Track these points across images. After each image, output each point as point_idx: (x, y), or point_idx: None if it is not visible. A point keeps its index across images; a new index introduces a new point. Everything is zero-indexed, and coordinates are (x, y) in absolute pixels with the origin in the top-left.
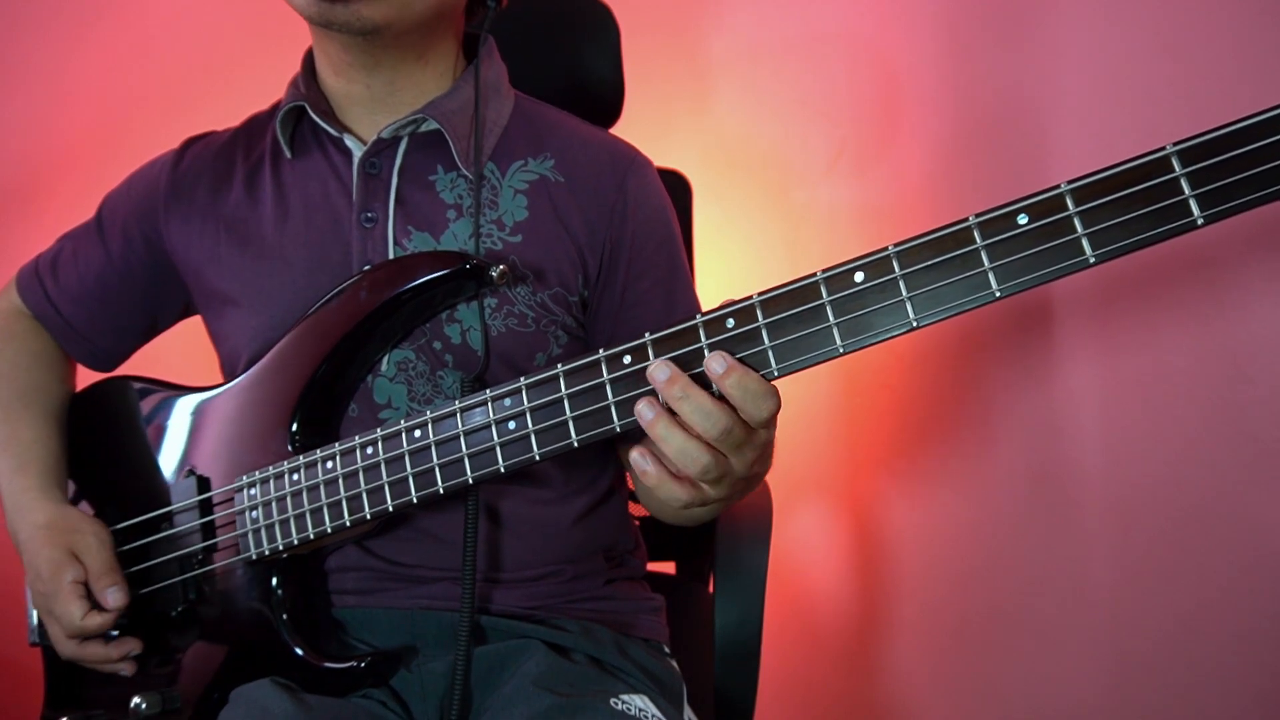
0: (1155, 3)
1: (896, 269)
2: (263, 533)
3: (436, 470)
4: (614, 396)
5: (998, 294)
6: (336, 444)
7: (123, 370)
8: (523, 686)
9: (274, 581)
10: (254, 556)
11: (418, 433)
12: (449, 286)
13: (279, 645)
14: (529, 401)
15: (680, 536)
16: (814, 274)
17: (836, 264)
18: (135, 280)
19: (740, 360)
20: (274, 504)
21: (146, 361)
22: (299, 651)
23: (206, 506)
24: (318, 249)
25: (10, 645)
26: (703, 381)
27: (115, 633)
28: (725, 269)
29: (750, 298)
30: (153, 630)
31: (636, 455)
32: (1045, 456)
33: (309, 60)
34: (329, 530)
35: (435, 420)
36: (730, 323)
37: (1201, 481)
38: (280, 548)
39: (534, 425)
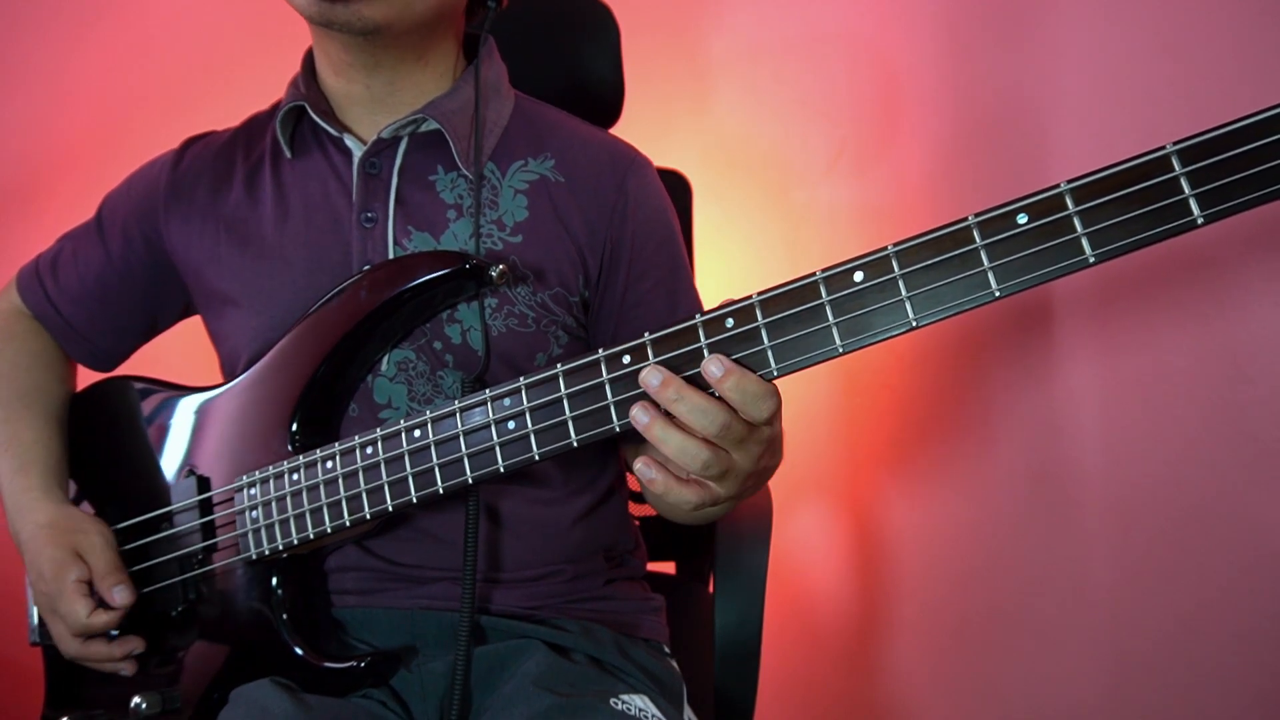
0: (1155, 3)
1: (896, 269)
2: (263, 532)
3: (436, 470)
4: (613, 396)
5: (997, 294)
6: (336, 444)
7: (123, 370)
8: (523, 686)
9: (274, 581)
10: (254, 556)
11: (417, 432)
12: (449, 286)
13: (279, 645)
14: (528, 401)
15: (680, 536)
16: (813, 274)
17: (836, 264)
18: (135, 280)
19: (739, 360)
20: (274, 504)
21: (146, 361)
22: (299, 651)
23: (206, 506)
24: (318, 249)
25: (10, 645)
26: (702, 383)
27: (115, 632)
28: (725, 269)
29: (750, 297)
30: (153, 630)
31: (640, 465)
32: (1045, 456)
33: (309, 60)
34: (329, 530)
35: (435, 420)
36: (729, 322)
37: (1201, 481)
38: (280, 547)
39: (533, 425)
